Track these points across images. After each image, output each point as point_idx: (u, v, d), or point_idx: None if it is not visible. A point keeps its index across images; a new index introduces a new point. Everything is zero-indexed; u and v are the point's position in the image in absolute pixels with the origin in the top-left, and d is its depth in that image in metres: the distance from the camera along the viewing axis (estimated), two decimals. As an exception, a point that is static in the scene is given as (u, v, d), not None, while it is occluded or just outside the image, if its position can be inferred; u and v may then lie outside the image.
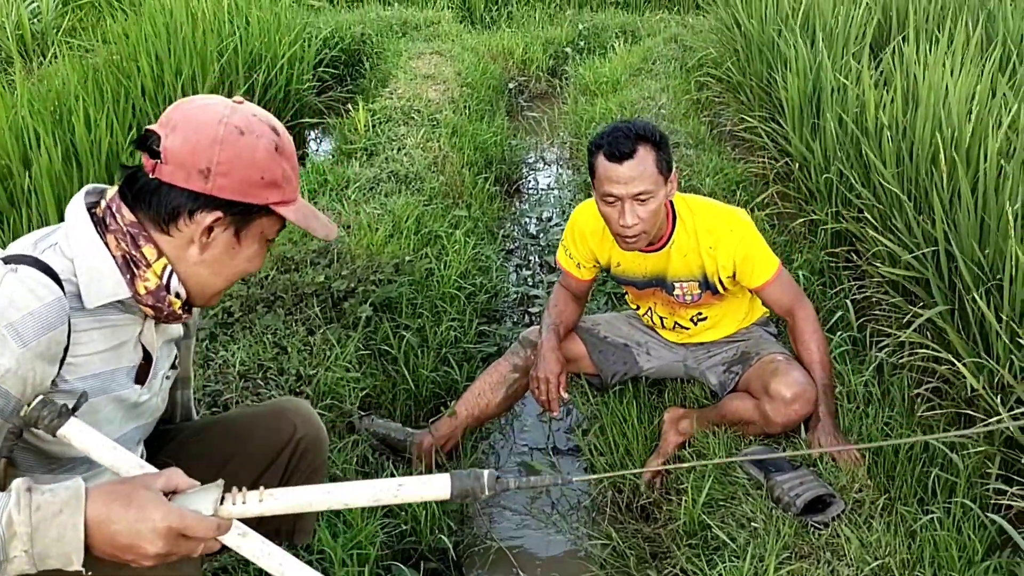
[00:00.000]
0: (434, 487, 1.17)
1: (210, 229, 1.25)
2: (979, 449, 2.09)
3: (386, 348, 2.69)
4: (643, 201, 2.16)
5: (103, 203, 1.28)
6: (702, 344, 2.57)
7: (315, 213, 1.38)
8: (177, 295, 1.30)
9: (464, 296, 3.19)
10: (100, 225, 1.26)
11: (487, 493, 1.16)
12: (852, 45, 3.91)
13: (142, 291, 1.26)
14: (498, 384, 2.56)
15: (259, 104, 4.49)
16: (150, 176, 1.24)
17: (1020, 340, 2.11)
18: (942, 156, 2.66)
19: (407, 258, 2.97)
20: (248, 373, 2.29)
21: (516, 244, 4.21)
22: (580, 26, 7.68)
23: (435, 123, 4.58)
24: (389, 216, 3.35)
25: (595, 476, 1.47)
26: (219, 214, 1.24)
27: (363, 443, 2.36)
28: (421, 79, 5.48)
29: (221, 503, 1.11)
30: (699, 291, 2.40)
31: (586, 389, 2.75)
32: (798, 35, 4.08)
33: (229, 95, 4.14)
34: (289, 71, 4.98)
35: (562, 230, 4.18)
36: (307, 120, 5.10)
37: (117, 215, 1.25)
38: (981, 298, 2.26)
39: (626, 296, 2.65)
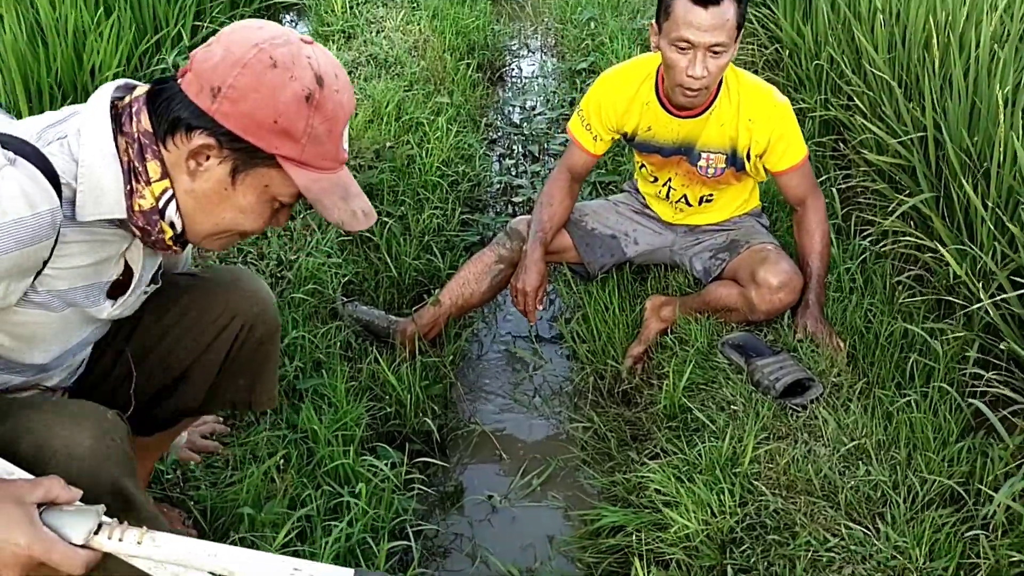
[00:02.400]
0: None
1: (202, 154, 1.12)
2: (958, 335, 2.11)
3: (368, 235, 2.66)
4: (716, 54, 2.10)
5: (128, 98, 1.16)
6: (695, 228, 2.56)
7: (347, 192, 1.20)
8: (172, 224, 1.18)
9: (447, 184, 3.14)
10: (115, 121, 1.14)
11: None
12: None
13: (135, 208, 1.15)
14: (482, 274, 2.54)
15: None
16: (176, 81, 1.13)
17: (1005, 226, 2.11)
18: (935, 41, 2.60)
19: (388, 144, 2.91)
20: (228, 257, 2.26)
21: (499, 133, 4.13)
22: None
23: (415, 5, 4.43)
24: (369, 101, 3.26)
25: None
26: (212, 141, 1.11)
27: (346, 329, 2.35)
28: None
29: (96, 532, 0.99)
30: (724, 165, 2.36)
31: (569, 279, 2.75)
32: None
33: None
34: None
35: (546, 119, 4.13)
36: (281, 1, 4.91)
37: (135, 118, 1.14)
38: (967, 184, 2.24)
39: (641, 169, 2.58)
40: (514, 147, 4.00)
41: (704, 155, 2.36)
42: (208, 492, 1.64)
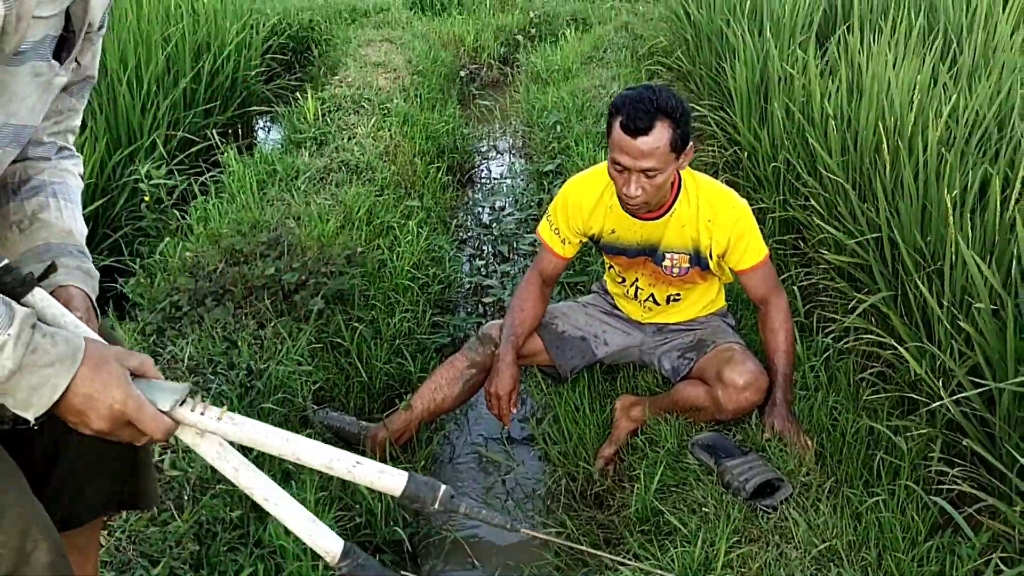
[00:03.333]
0: (388, 480, 1.15)
1: None
2: (921, 431, 2.14)
3: (339, 341, 2.68)
4: (650, 176, 2.17)
5: None
6: (663, 326, 2.60)
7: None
8: None
9: (418, 287, 3.18)
10: None
11: (435, 507, 1.14)
12: (798, 35, 3.96)
13: None
14: (454, 379, 2.54)
15: (206, 91, 4.42)
16: None
17: (960, 325, 2.17)
18: (885, 145, 2.71)
19: (359, 249, 2.95)
20: (197, 368, 2.26)
21: (469, 234, 4.21)
22: (531, 13, 7.68)
23: (386, 112, 4.55)
24: (341, 207, 3.33)
25: (543, 535, 1.42)
26: None
27: (316, 436, 2.34)
28: (371, 67, 5.43)
29: (180, 404, 1.08)
30: (688, 264, 2.41)
31: (540, 381, 2.77)
32: (745, 25, 4.12)
33: (175, 83, 4.05)
34: (237, 58, 4.90)
35: (515, 219, 4.21)
36: (255, 108, 5.02)
37: None
38: (923, 284, 2.32)
39: (610, 270, 2.62)
40: (484, 247, 4.07)
41: (668, 255, 2.42)
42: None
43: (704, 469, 2.21)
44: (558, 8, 7.85)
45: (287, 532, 1.82)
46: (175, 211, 3.30)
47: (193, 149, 4.07)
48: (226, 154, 3.74)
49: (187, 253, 2.80)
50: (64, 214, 1.33)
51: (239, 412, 2.04)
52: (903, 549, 1.89)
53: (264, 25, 6.20)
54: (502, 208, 4.43)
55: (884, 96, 2.91)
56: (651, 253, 2.44)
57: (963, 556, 1.83)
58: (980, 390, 2.00)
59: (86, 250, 1.34)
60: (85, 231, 1.35)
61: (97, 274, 1.33)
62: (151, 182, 3.25)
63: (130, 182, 3.39)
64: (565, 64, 6.04)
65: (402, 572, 1.57)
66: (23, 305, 1.03)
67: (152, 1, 4.59)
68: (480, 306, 3.52)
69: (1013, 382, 1.87)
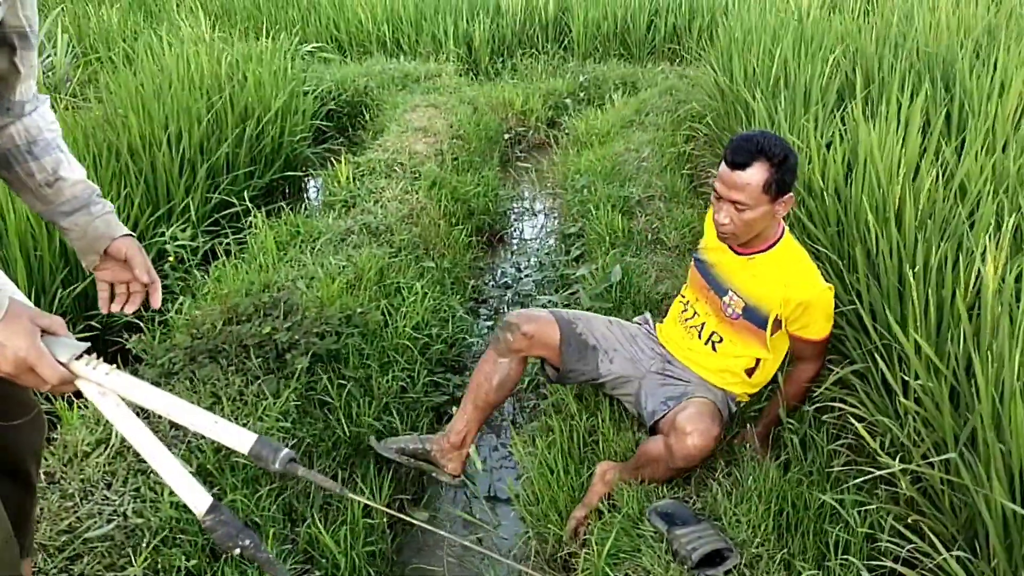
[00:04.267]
0: (238, 438, 1.30)
1: None
2: (871, 506, 2.13)
3: (326, 399, 2.79)
4: (740, 210, 2.33)
5: None
6: (671, 363, 2.65)
7: None
8: None
9: (418, 347, 3.29)
10: None
11: (276, 467, 1.27)
12: (812, 104, 3.99)
13: None
14: (491, 373, 2.67)
15: (248, 155, 4.68)
16: None
17: (920, 400, 2.16)
18: (870, 219, 2.72)
19: (359, 310, 3.08)
20: (176, 424, 2.40)
21: (488, 295, 4.32)
22: (581, 77, 7.85)
23: (416, 176, 4.73)
24: (352, 268, 3.48)
25: (397, 513, 1.49)
26: None
27: (289, 490, 2.45)
28: (412, 131, 5.64)
29: (77, 359, 1.25)
30: (741, 312, 2.51)
31: (520, 448, 2.83)
32: (762, 94, 4.17)
33: (217, 146, 4.30)
34: (282, 124, 5.17)
35: (533, 281, 4.32)
36: (296, 173, 5.27)
37: None
38: (892, 363, 2.31)
39: (684, 287, 2.74)
40: (501, 308, 4.17)
41: (731, 293, 2.52)
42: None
43: (658, 536, 2.24)
44: (608, 72, 8.00)
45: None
46: (197, 271, 3.50)
47: (229, 211, 4.30)
48: (255, 217, 3.95)
49: (196, 312, 2.98)
50: (72, 165, 1.60)
51: (215, 464, 2.18)
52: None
53: (319, 89, 6.53)
54: (523, 269, 4.54)
55: (872, 169, 2.92)
56: (720, 284, 2.56)
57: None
58: (904, 467, 1.99)
59: (97, 188, 1.62)
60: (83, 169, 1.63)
61: (112, 206, 1.63)
62: (176, 243, 3.47)
63: (159, 242, 3.61)
64: (604, 127, 6.17)
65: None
66: None
67: (203, 70, 4.91)
68: (485, 366, 3.61)
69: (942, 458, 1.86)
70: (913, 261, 2.42)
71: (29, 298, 2.96)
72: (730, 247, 2.50)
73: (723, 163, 2.33)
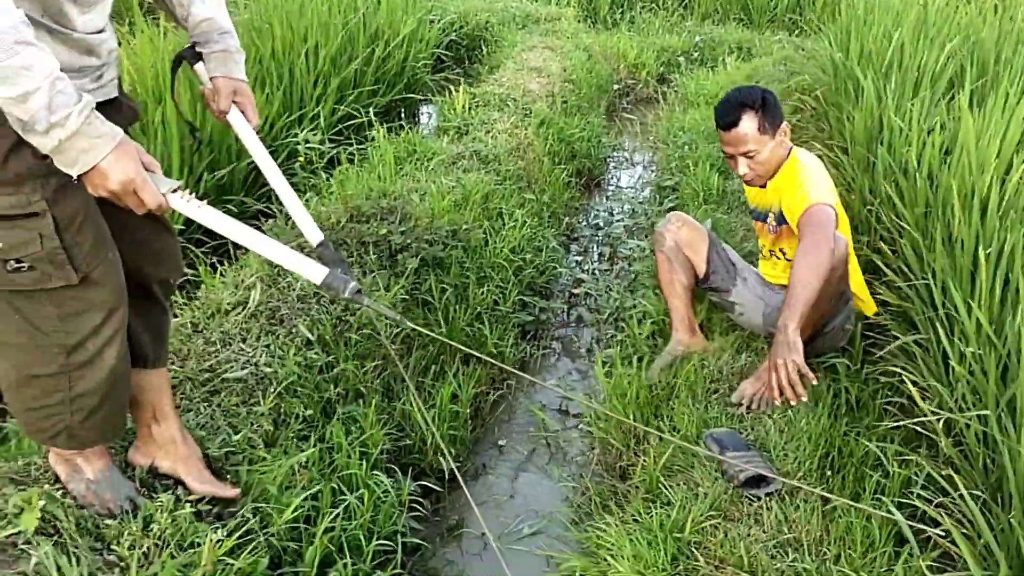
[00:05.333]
0: (313, 271, 1.60)
1: None
2: (908, 457, 2.34)
3: (428, 299, 3.11)
4: (751, 156, 2.69)
5: None
6: (783, 288, 2.87)
7: None
8: None
9: (512, 268, 3.57)
10: None
11: (345, 295, 1.59)
12: (922, 89, 4.07)
13: None
14: (668, 267, 2.95)
15: (374, 74, 5.00)
16: None
17: (974, 372, 2.35)
18: (956, 203, 2.87)
19: (464, 226, 3.38)
20: (305, 298, 2.74)
21: (580, 233, 4.57)
22: (697, 37, 7.92)
23: (527, 112, 4.97)
24: (460, 189, 3.77)
25: (428, 332, 1.73)
26: None
27: (387, 371, 2.77)
28: (527, 70, 5.87)
29: (173, 192, 1.51)
30: (776, 223, 2.83)
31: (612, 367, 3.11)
32: (874, 73, 4.26)
33: (348, 63, 4.62)
34: (407, 49, 5.46)
35: (624, 226, 4.54)
36: (414, 96, 5.57)
37: None
38: (952, 335, 2.50)
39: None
40: (590, 247, 4.42)
41: (768, 214, 2.88)
42: (243, 468, 2.07)
43: (710, 458, 2.49)
44: (725, 35, 8.04)
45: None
46: (323, 173, 3.84)
47: (353, 123, 4.63)
48: (377, 131, 4.26)
49: (321, 208, 3.31)
50: (206, 3, 1.84)
51: (331, 338, 2.51)
52: (859, 552, 2.11)
53: (442, 20, 6.79)
54: (616, 214, 4.77)
55: (967, 158, 3.05)
56: (761, 214, 2.94)
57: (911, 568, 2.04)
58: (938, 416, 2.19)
59: (229, 28, 1.89)
60: (226, 17, 1.90)
61: (242, 53, 1.90)
62: (307, 145, 3.81)
63: (291, 144, 3.96)
64: (714, 89, 6.28)
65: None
66: None
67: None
68: (570, 295, 3.88)
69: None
70: (988, 244, 2.57)
71: (180, 176, 3.34)
72: (760, 186, 2.83)
73: (719, 131, 2.70)
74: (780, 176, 2.78)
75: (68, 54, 1.51)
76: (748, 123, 2.65)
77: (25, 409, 1.70)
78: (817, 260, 2.45)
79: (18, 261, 1.51)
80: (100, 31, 1.59)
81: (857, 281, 2.88)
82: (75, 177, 1.41)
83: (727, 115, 2.66)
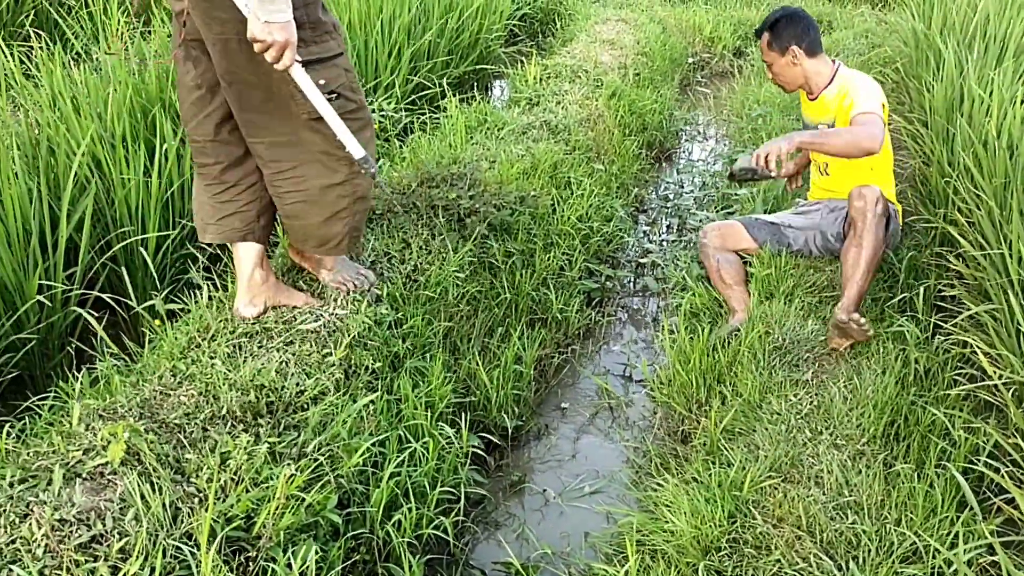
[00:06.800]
0: (356, 147, 2.12)
1: None
2: (976, 425, 2.31)
3: (494, 263, 3.17)
4: (769, 66, 3.30)
5: None
6: (834, 208, 3.26)
7: None
8: None
9: (579, 236, 3.61)
10: None
11: (372, 171, 2.16)
12: (1007, 59, 3.94)
13: None
14: (717, 267, 3.28)
15: (447, 45, 5.06)
16: None
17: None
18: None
19: (532, 193, 3.42)
20: (377, 258, 2.83)
21: (649, 205, 4.57)
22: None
23: (598, 84, 4.98)
24: (529, 157, 3.81)
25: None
26: None
27: (454, 331, 2.84)
28: (600, 43, 5.86)
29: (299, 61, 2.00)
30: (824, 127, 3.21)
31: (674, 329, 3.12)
32: (957, 43, 4.15)
33: (422, 35, 4.69)
34: (481, 21, 5.50)
35: (693, 198, 4.53)
36: (487, 68, 5.61)
37: None
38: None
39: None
40: (659, 218, 4.42)
41: (819, 126, 3.24)
42: (314, 411, 2.16)
43: (774, 416, 2.50)
44: (806, 6, 7.86)
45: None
46: (396, 140, 3.92)
47: (426, 93, 4.71)
48: (449, 101, 4.33)
49: (394, 173, 3.39)
50: None
51: (402, 295, 2.60)
52: (921, 516, 2.11)
53: (516, -7, 6.81)
54: (686, 186, 4.75)
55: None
56: (811, 126, 3.32)
57: (973, 533, 2.03)
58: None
59: None
60: None
61: None
62: (381, 113, 3.89)
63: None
64: (790, 63, 6.15)
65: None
66: None
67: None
68: (637, 266, 3.90)
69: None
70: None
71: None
72: (807, 97, 3.33)
73: None
74: (831, 91, 3.21)
75: None
76: (763, 40, 3.26)
77: (323, 220, 2.33)
78: (852, 134, 2.92)
79: (330, 92, 2.10)
80: None
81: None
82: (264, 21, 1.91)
83: (756, 31, 3.32)
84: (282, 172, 2.26)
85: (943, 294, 3.13)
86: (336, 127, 2.09)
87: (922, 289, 3.05)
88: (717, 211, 4.18)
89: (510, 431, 2.76)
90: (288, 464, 1.94)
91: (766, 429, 2.46)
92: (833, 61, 3.30)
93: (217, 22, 2.02)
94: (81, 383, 2.24)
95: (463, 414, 2.60)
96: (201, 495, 1.85)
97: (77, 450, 1.87)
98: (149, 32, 3.96)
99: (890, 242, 3.13)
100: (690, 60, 6.97)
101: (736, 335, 2.98)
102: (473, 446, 2.51)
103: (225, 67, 2.10)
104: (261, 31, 1.89)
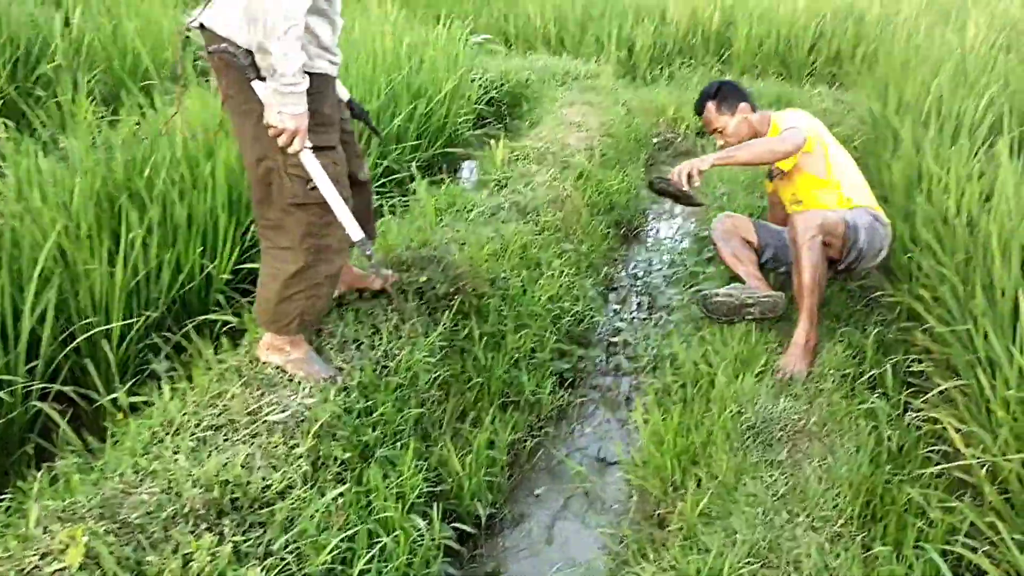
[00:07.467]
0: (355, 229, 2.40)
1: None
2: (951, 504, 2.30)
3: (465, 346, 3.15)
4: (720, 132, 3.64)
5: None
6: None
7: None
8: None
9: (550, 317, 3.60)
10: None
11: (367, 253, 2.45)
12: (961, 137, 4.07)
13: None
14: (729, 251, 3.67)
15: (416, 130, 5.13)
16: None
17: (1017, 419, 2.31)
18: (995, 250, 2.85)
19: (502, 274, 3.42)
20: (345, 345, 2.80)
21: (619, 283, 4.59)
22: (736, 92, 7.97)
23: (565, 165, 5.05)
24: (499, 239, 3.83)
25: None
26: None
27: (425, 417, 2.80)
28: (566, 125, 5.97)
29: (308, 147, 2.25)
30: (780, 171, 3.59)
31: (645, 411, 3.10)
32: (912, 123, 4.27)
33: (390, 120, 4.75)
34: (449, 105, 5.59)
35: (663, 276, 4.56)
36: (455, 151, 5.68)
37: None
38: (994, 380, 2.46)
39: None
40: (629, 296, 4.44)
41: (773, 169, 3.67)
42: (280, 506, 2.10)
43: (750, 498, 2.47)
44: (764, 89, 8.08)
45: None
46: (365, 224, 3.93)
47: (395, 176, 4.75)
48: (419, 184, 4.36)
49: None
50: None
51: (372, 386, 2.56)
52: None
53: (483, 78, 6.94)
54: (655, 264, 4.78)
55: (1006, 205, 3.03)
56: (771, 172, 3.73)
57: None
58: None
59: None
60: None
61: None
62: (350, 197, 3.90)
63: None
64: (752, 142, 6.30)
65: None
66: None
67: (386, 51, 5.39)
68: (609, 345, 3.90)
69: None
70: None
71: (232, 217, 3.43)
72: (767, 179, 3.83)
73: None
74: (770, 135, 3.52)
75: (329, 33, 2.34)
76: (710, 109, 3.64)
77: (279, 300, 2.47)
78: (765, 142, 3.31)
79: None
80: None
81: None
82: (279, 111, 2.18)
83: (696, 106, 3.71)
84: (268, 250, 2.50)
85: (911, 369, 3.16)
86: (337, 209, 2.34)
87: (890, 365, 3.07)
88: (686, 288, 4.21)
89: (483, 519, 2.71)
90: (254, 564, 1.88)
91: (743, 512, 2.43)
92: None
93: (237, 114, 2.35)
94: (40, 483, 2.17)
95: (435, 503, 2.55)
96: (162, 600, 1.78)
97: (34, 555, 1.80)
98: (117, 121, 3.97)
99: (865, 252, 3.42)
100: (655, 140, 7.11)
101: (756, 299, 3.35)
102: (446, 537, 2.45)
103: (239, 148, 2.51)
104: (276, 119, 2.17)
